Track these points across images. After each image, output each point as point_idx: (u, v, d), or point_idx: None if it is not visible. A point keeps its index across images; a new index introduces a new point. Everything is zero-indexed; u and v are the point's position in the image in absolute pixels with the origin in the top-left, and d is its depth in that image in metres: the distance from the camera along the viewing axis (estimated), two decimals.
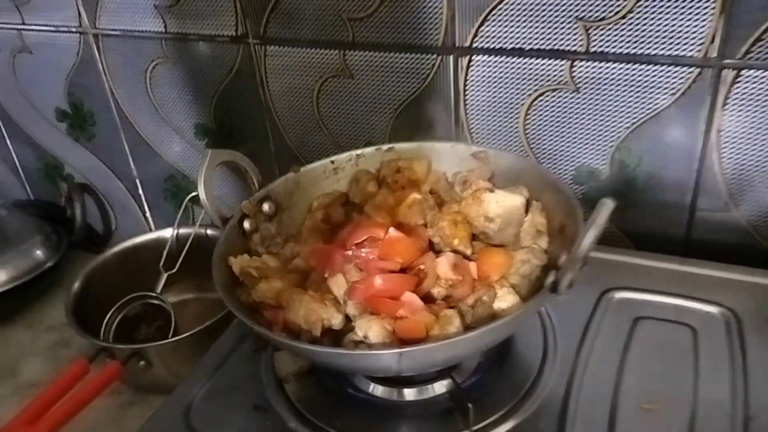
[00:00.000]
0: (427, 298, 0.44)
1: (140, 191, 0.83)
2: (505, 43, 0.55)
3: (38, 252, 0.81)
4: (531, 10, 0.53)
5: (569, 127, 0.58)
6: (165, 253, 0.74)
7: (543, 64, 0.55)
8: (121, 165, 0.82)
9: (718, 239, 0.58)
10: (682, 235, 0.59)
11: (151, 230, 0.82)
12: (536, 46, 0.55)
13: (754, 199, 0.55)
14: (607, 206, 0.39)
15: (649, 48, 0.51)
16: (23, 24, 0.75)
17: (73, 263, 0.83)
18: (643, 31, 0.51)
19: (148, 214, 0.85)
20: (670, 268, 0.57)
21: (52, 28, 0.73)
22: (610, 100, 0.55)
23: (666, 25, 0.50)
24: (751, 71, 0.49)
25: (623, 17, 0.51)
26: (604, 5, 0.51)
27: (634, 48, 0.52)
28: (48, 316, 0.82)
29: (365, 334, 0.40)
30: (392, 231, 0.46)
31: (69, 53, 0.74)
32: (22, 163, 0.89)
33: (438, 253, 0.47)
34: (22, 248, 0.81)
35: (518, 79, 0.57)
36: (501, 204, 0.50)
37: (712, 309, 0.52)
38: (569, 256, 0.39)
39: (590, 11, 0.52)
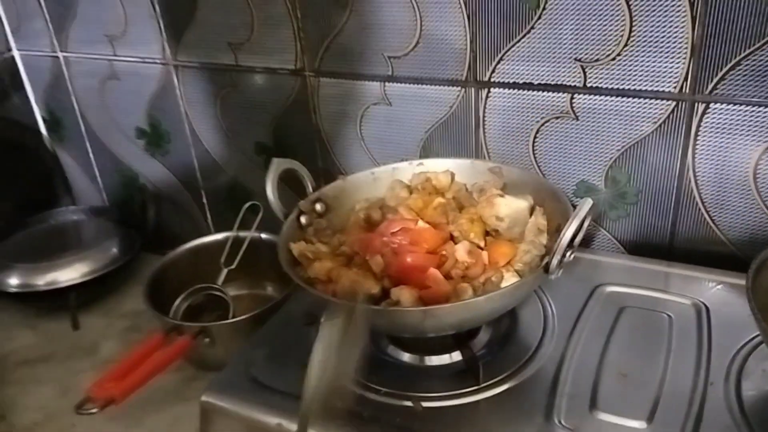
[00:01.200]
0: (447, 277, 0.55)
1: (204, 200, 0.96)
2: (518, 78, 0.67)
3: (114, 250, 0.94)
4: (539, 52, 0.65)
5: (570, 149, 0.69)
6: (225, 251, 0.86)
7: (548, 97, 0.67)
8: (189, 177, 0.95)
9: (697, 246, 0.68)
10: (666, 242, 0.69)
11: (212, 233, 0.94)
12: (543, 81, 0.66)
13: (726, 212, 0.65)
14: (587, 203, 0.50)
15: (635, 84, 0.63)
16: (114, 55, 0.89)
17: (144, 262, 0.95)
18: (630, 70, 0.62)
19: (209, 220, 0.97)
20: (654, 268, 0.68)
21: (139, 60, 0.87)
22: (603, 127, 0.66)
23: (648, 66, 0.61)
24: (717, 104, 0.60)
25: (613, 59, 0.62)
26: (598, 49, 0.63)
27: (623, 84, 0.63)
28: (122, 306, 0.94)
29: (398, 298, 0.52)
30: (421, 222, 0.57)
31: (152, 81, 0.88)
32: (102, 173, 1.03)
33: (456, 242, 0.59)
34: (101, 247, 0.94)
35: (528, 108, 0.68)
36: (510, 207, 0.61)
37: (686, 301, 0.63)
38: (556, 243, 0.51)
39: (587, 54, 0.63)
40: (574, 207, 0.54)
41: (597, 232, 0.73)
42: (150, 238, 0.97)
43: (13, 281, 0.89)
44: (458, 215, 0.63)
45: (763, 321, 0.47)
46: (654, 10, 0.59)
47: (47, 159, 1.04)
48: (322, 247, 0.60)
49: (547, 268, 0.51)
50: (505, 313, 0.60)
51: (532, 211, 0.62)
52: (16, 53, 0.97)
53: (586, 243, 0.73)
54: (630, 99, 0.63)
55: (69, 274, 0.90)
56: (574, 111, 0.67)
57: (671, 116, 0.62)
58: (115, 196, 1.04)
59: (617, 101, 0.64)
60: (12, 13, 0.94)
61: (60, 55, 0.94)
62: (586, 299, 0.65)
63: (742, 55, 0.57)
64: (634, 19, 0.60)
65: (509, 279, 0.56)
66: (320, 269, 0.57)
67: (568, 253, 0.52)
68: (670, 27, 0.59)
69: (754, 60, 0.57)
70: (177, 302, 0.85)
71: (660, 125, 0.63)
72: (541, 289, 0.65)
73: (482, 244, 0.60)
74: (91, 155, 1.02)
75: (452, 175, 0.68)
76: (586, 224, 0.53)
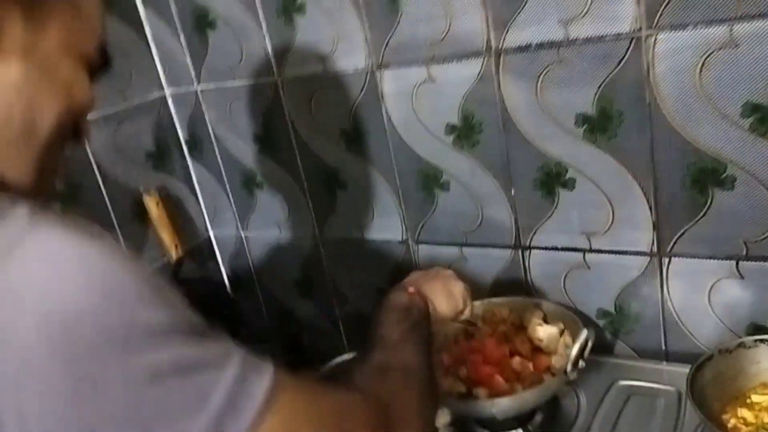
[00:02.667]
0: (507, 380, 0.90)
1: (340, 328, 1.35)
2: (550, 244, 1.03)
3: None
4: (563, 227, 1.01)
5: (587, 288, 1.03)
6: None
7: (570, 255, 1.02)
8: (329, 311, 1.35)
9: (686, 349, 0.99)
10: (663, 348, 1.01)
11: (347, 351, 1.32)
12: (565, 246, 1.02)
13: (700, 328, 0.97)
14: (584, 333, 0.85)
15: (623, 246, 0.97)
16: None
17: None
18: (620, 238, 0.97)
19: (344, 342, 1.36)
20: (653, 366, 0.99)
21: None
22: (609, 275, 1.00)
23: (627, 237, 0.96)
24: (677, 258, 0.94)
25: (605, 233, 0.98)
26: (596, 228, 0.98)
27: (614, 247, 0.98)
28: None
29: (477, 394, 0.87)
30: (490, 346, 0.93)
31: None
32: (268, 311, 1.45)
33: (512, 356, 0.94)
34: None
35: (557, 263, 1.04)
36: (546, 331, 0.96)
37: (671, 388, 0.94)
38: (568, 359, 0.85)
39: (590, 229, 0.99)
40: (588, 328, 0.89)
41: (616, 342, 1.05)
42: (305, 357, 1.36)
43: None
44: (514, 336, 0.98)
45: (701, 413, 0.77)
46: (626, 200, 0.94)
47: (230, 305, 1.48)
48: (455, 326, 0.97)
49: (565, 372, 0.86)
50: (550, 400, 0.93)
51: (562, 332, 0.97)
52: (211, 234, 1.43)
53: (609, 350, 1.06)
54: (621, 255, 0.98)
55: None
56: (587, 263, 1.02)
57: (648, 267, 0.97)
58: (276, 326, 1.45)
59: (613, 257, 0.99)
60: (210, 207, 1.40)
61: (242, 234, 1.38)
62: (606, 389, 0.97)
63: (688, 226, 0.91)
64: (615, 209, 0.95)
65: (547, 380, 0.90)
66: None
67: (580, 362, 0.87)
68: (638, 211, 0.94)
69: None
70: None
71: (642, 272, 0.97)
72: (576, 384, 0.98)
73: (529, 356, 0.94)
74: (261, 300, 1.44)
75: (510, 308, 1.04)
76: (589, 344, 0.87)
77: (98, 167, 1.20)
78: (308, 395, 0.50)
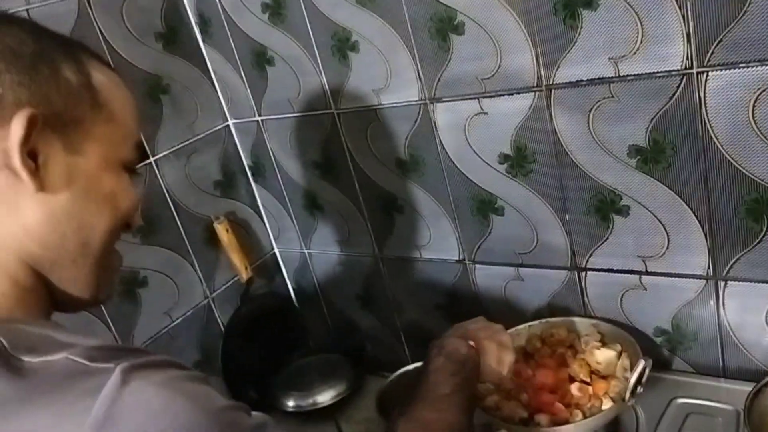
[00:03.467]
0: (566, 405, 0.94)
1: (402, 339, 1.42)
2: (606, 267, 1.06)
3: (347, 377, 1.41)
4: (620, 252, 1.04)
5: (645, 310, 1.06)
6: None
7: (626, 278, 1.05)
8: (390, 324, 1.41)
9: (744, 366, 1.01)
10: (720, 365, 1.03)
11: (409, 362, 1.38)
12: (619, 268, 1.05)
13: (757, 349, 0.99)
14: (641, 363, 0.89)
15: (678, 269, 1.00)
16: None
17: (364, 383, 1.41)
18: (675, 262, 0.99)
19: (407, 352, 1.42)
20: (711, 384, 1.02)
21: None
22: (665, 296, 1.03)
23: (682, 260, 0.98)
24: (733, 282, 0.96)
25: (662, 256, 1.00)
26: (654, 251, 1.00)
27: (671, 270, 1.00)
28: (355, 415, 1.40)
29: (539, 421, 0.92)
30: (550, 373, 0.97)
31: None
32: (333, 323, 1.53)
33: (571, 381, 0.98)
34: (339, 375, 1.41)
35: (613, 284, 1.07)
36: (604, 355, 1.00)
37: (730, 407, 0.96)
38: (626, 386, 0.89)
39: (646, 252, 1.01)
40: (644, 350, 0.93)
41: (673, 359, 1.08)
42: (369, 367, 1.43)
43: (290, 403, 1.38)
44: (572, 360, 1.02)
45: None
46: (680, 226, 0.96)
47: (297, 318, 1.55)
48: (490, 386, 1.02)
49: (624, 399, 0.90)
50: (611, 421, 0.97)
51: (620, 355, 1.00)
52: (277, 251, 1.50)
53: (667, 366, 1.08)
54: (676, 279, 1.00)
55: (324, 397, 1.37)
56: (643, 285, 1.04)
57: (703, 291, 0.99)
58: (340, 337, 1.53)
59: (669, 280, 1.01)
60: (275, 227, 1.47)
61: (305, 251, 1.45)
62: (664, 408, 1.00)
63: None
64: (670, 235, 0.98)
65: (606, 404, 0.94)
66: (490, 401, 0.99)
67: (638, 388, 0.90)
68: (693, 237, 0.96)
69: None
70: (395, 412, 1.29)
71: (698, 294, 1.00)
72: (635, 404, 1.01)
73: (588, 380, 0.98)
74: (325, 312, 1.52)
75: (567, 329, 1.08)
76: (647, 371, 0.91)
77: (171, 199, 1.28)
78: None
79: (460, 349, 0.82)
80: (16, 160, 0.50)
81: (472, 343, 0.84)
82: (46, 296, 0.56)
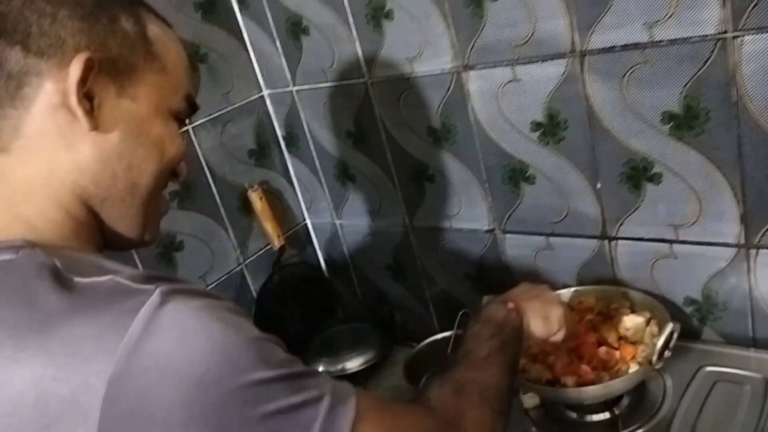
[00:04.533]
0: (593, 368, 0.95)
1: (431, 309, 1.44)
2: (636, 235, 1.06)
3: (376, 346, 1.43)
4: (648, 225, 1.04)
5: (675, 279, 1.06)
6: (450, 345, 1.31)
7: (657, 246, 1.05)
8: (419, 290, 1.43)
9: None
10: (750, 335, 1.03)
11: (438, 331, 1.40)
12: (652, 237, 1.05)
13: None
14: (669, 326, 0.89)
15: (710, 238, 0.99)
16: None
17: (393, 351, 1.43)
18: (707, 230, 0.99)
19: (435, 321, 1.44)
20: (742, 353, 1.02)
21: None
22: (695, 265, 1.03)
23: (713, 228, 0.98)
24: (765, 250, 0.95)
25: (693, 223, 1.00)
26: (684, 219, 1.00)
27: (701, 239, 1.00)
28: (383, 383, 1.42)
29: (565, 382, 0.93)
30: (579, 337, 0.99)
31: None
32: (362, 291, 1.55)
33: (599, 345, 0.99)
34: (368, 343, 1.43)
35: (644, 253, 1.07)
36: (633, 321, 1.00)
37: (758, 375, 0.96)
38: (653, 350, 0.89)
39: (678, 221, 1.01)
40: (674, 319, 0.93)
41: (703, 329, 1.08)
42: (397, 336, 1.45)
43: (320, 368, 1.41)
44: (600, 325, 1.03)
45: None
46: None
47: (327, 287, 1.58)
48: None
49: (650, 362, 0.90)
50: (637, 386, 0.98)
51: (648, 322, 1.01)
52: (308, 221, 1.53)
53: (696, 336, 1.09)
54: (708, 246, 1.00)
55: (353, 363, 1.40)
56: (673, 254, 1.04)
57: (735, 259, 0.99)
58: (370, 307, 1.55)
59: (700, 248, 1.01)
60: (307, 197, 1.50)
61: (336, 222, 1.47)
62: (692, 375, 1.00)
63: None
64: (702, 203, 0.98)
65: (633, 368, 0.95)
66: None
67: (665, 352, 0.91)
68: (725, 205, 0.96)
69: None
70: (423, 380, 1.31)
71: (730, 262, 0.99)
72: (662, 369, 1.01)
73: (616, 345, 0.99)
74: (355, 282, 1.54)
75: (596, 296, 1.08)
76: (675, 335, 0.91)
77: (208, 166, 1.31)
78: (387, 420, 0.58)
79: (497, 313, 0.82)
80: (73, 100, 0.54)
81: (510, 305, 0.83)
82: (97, 232, 0.60)
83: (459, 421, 0.65)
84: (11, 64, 0.53)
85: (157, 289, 0.48)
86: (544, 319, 0.85)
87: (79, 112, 0.54)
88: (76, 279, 0.49)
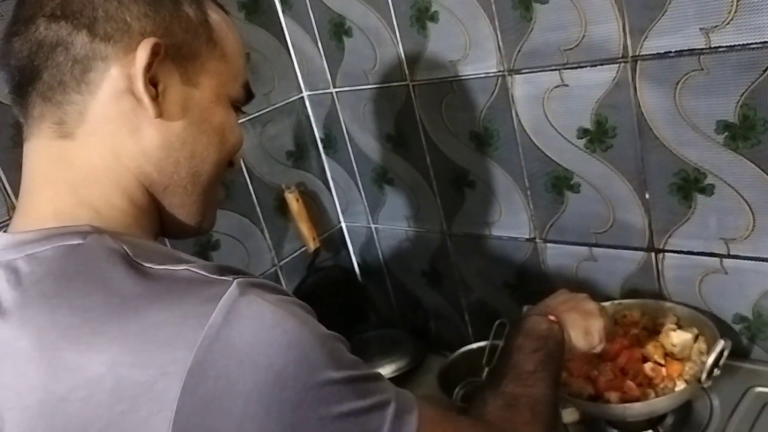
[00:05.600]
0: (639, 385, 0.92)
1: (466, 317, 1.41)
2: (687, 249, 1.03)
3: (410, 353, 1.41)
4: (698, 239, 1.01)
5: (725, 295, 1.02)
6: (486, 355, 1.29)
7: (707, 260, 1.01)
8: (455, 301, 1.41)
9: None
10: None
11: (473, 341, 1.37)
12: (701, 250, 1.01)
13: None
14: (720, 344, 0.85)
15: (763, 253, 0.95)
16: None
17: (428, 359, 1.41)
18: (760, 245, 0.95)
19: (470, 331, 1.41)
20: None
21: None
22: (747, 281, 0.99)
23: (766, 244, 0.94)
24: None
25: (746, 238, 0.96)
26: (736, 233, 0.96)
27: (755, 254, 0.96)
28: (416, 391, 1.40)
29: (608, 398, 0.90)
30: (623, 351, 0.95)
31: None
32: (396, 297, 1.53)
33: (645, 361, 0.95)
34: (402, 350, 1.41)
35: (692, 267, 1.03)
36: (680, 337, 0.97)
37: None
38: (702, 368, 0.86)
39: (729, 234, 0.97)
40: (723, 336, 0.89)
41: (753, 348, 1.04)
42: (431, 344, 1.43)
43: None
44: (646, 341, 0.99)
45: None
46: None
47: (360, 291, 1.57)
48: None
49: (699, 380, 0.87)
50: (683, 404, 0.94)
51: (696, 338, 0.97)
52: (343, 225, 1.52)
53: (745, 355, 1.04)
54: (761, 263, 0.96)
55: (385, 370, 1.38)
56: (724, 269, 1.00)
57: None
58: (403, 313, 1.53)
59: (752, 264, 0.97)
60: (343, 200, 1.49)
61: (372, 226, 1.46)
62: (740, 396, 0.96)
63: None
64: (756, 216, 0.94)
65: (680, 386, 0.91)
66: None
67: (715, 370, 0.87)
68: None
69: None
70: (456, 390, 1.29)
71: None
72: (709, 389, 0.98)
73: (662, 362, 0.95)
74: (389, 288, 1.52)
75: (641, 311, 1.05)
76: (725, 353, 0.88)
77: (246, 167, 1.31)
78: (448, 428, 0.57)
79: (540, 325, 0.80)
80: (140, 85, 0.53)
81: (552, 317, 0.81)
82: (157, 219, 0.59)
83: None
84: (77, 48, 0.53)
85: (235, 281, 0.48)
86: (585, 333, 0.83)
87: (145, 99, 0.54)
88: (149, 266, 0.49)
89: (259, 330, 0.46)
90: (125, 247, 0.50)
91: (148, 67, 0.53)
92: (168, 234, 0.62)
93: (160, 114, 0.55)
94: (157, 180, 0.57)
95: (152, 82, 0.54)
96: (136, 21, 0.54)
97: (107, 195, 0.55)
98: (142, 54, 0.53)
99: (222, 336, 0.45)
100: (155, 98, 0.54)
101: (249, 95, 0.63)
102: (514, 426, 0.66)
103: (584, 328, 0.83)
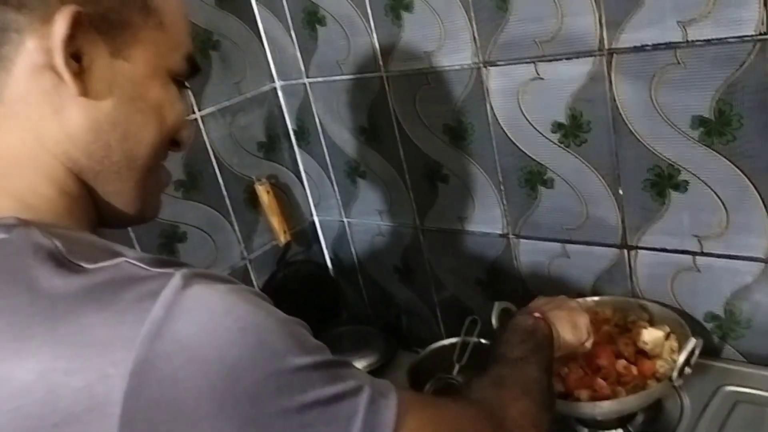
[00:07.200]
0: (610, 383, 0.91)
1: (438, 313, 1.39)
2: (658, 245, 1.02)
3: (381, 349, 1.39)
4: (671, 235, 1.00)
5: (697, 293, 1.01)
6: (456, 352, 1.27)
7: (680, 257, 1.00)
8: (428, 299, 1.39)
9: None
10: None
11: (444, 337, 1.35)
12: (675, 248, 1.00)
13: None
14: (691, 342, 0.84)
15: (736, 251, 0.95)
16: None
17: (398, 356, 1.39)
18: (733, 243, 0.95)
19: (442, 328, 1.40)
20: (764, 374, 0.97)
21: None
22: (719, 279, 0.98)
23: (741, 241, 0.93)
24: None
25: (720, 235, 0.95)
26: (710, 230, 0.96)
27: (728, 252, 0.96)
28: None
29: (578, 396, 0.88)
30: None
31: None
32: (368, 294, 1.51)
33: (617, 358, 0.94)
34: (373, 347, 1.39)
35: (665, 265, 1.02)
36: (652, 335, 0.95)
37: None
38: (673, 366, 0.85)
39: (702, 231, 0.97)
40: (695, 334, 0.88)
41: (723, 346, 1.03)
42: (402, 340, 1.41)
43: None
44: (617, 338, 0.98)
45: None
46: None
47: (332, 287, 1.54)
48: None
49: (670, 379, 0.85)
50: (653, 403, 0.93)
51: (667, 336, 0.96)
52: (315, 219, 1.49)
53: (717, 354, 1.04)
54: (734, 260, 0.96)
55: (357, 365, 1.35)
56: (696, 267, 1.00)
57: (763, 273, 0.94)
58: (375, 309, 1.51)
59: (725, 262, 0.96)
60: (315, 193, 1.46)
61: (344, 220, 1.43)
62: (711, 395, 0.95)
63: None
64: (729, 214, 0.93)
65: (651, 384, 0.90)
66: None
67: (686, 369, 0.86)
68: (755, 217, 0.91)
69: None
70: (426, 387, 1.27)
71: (756, 278, 0.95)
72: (679, 388, 0.97)
73: (633, 359, 0.94)
74: (361, 283, 1.50)
75: (613, 308, 1.04)
76: (697, 351, 0.86)
77: (215, 156, 1.27)
78: (430, 412, 0.54)
79: (525, 321, 0.80)
80: (59, 60, 0.47)
81: (537, 314, 0.81)
82: (92, 208, 0.54)
83: (502, 412, 0.62)
84: None
85: (178, 272, 0.44)
86: (572, 327, 0.84)
87: (66, 75, 0.47)
88: (81, 262, 0.44)
89: (207, 321, 0.43)
90: (56, 242, 0.45)
91: (69, 39, 0.47)
92: (107, 224, 0.56)
93: (84, 92, 0.49)
94: (87, 166, 0.51)
95: (75, 56, 0.48)
96: None
97: (32, 184, 0.50)
98: (61, 24, 0.46)
99: (164, 331, 0.42)
100: (78, 74, 0.48)
101: (194, 68, 0.57)
102: (502, 401, 0.63)
103: (571, 323, 0.84)
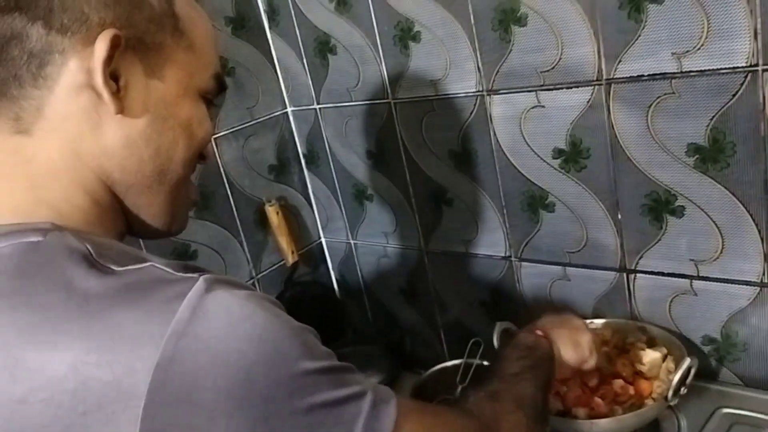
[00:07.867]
0: (607, 402, 0.93)
1: (442, 335, 1.41)
2: (656, 269, 1.04)
3: (385, 369, 1.41)
4: (668, 260, 1.02)
5: (694, 316, 1.03)
6: (459, 373, 1.29)
7: (677, 281, 1.03)
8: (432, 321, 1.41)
9: None
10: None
11: (447, 359, 1.37)
12: (671, 271, 1.03)
13: None
14: (686, 361, 0.86)
15: (732, 275, 0.97)
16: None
17: (402, 377, 1.41)
18: (729, 267, 0.97)
19: (445, 349, 1.42)
20: (761, 397, 0.99)
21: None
22: (716, 303, 1.00)
23: (736, 265, 0.96)
24: None
25: (714, 261, 0.98)
26: (706, 255, 0.98)
27: (724, 275, 0.98)
28: None
29: (576, 414, 0.90)
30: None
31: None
32: (373, 316, 1.53)
33: (614, 378, 0.96)
34: (376, 367, 1.42)
35: (663, 288, 1.05)
36: (649, 356, 0.98)
37: None
38: (669, 386, 0.87)
39: (699, 256, 0.99)
40: (692, 356, 0.90)
41: (720, 369, 1.05)
42: (406, 361, 1.43)
43: None
44: (616, 359, 1.00)
45: None
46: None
47: (338, 307, 1.57)
48: None
49: (666, 398, 0.88)
50: (651, 425, 0.95)
51: (665, 358, 0.98)
52: (323, 240, 1.52)
53: (714, 377, 1.05)
54: (730, 284, 0.98)
55: None
56: (693, 290, 1.02)
57: (757, 297, 0.96)
58: (380, 330, 1.53)
59: (721, 285, 0.99)
60: (323, 215, 1.50)
61: (351, 242, 1.47)
62: (708, 417, 0.97)
63: None
64: (725, 239, 0.96)
65: (648, 404, 0.92)
66: None
67: (682, 389, 0.88)
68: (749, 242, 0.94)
69: None
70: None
71: (751, 301, 0.97)
72: (677, 408, 0.99)
73: (631, 380, 0.96)
74: (367, 304, 1.53)
75: (612, 330, 1.06)
76: (692, 372, 0.89)
77: (227, 178, 1.31)
78: (427, 419, 0.57)
79: (526, 339, 0.82)
80: (99, 80, 0.51)
81: (539, 332, 0.83)
82: (121, 218, 0.57)
83: (496, 424, 0.65)
84: (33, 41, 0.50)
85: (201, 277, 0.47)
86: (574, 346, 0.85)
87: (105, 94, 0.51)
88: (111, 265, 0.48)
89: (227, 324, 0.46)
90: (88, 246, 0.49)
91: (108, 60, 0.51)
92: (136, 234, 0.60)
93: (121, 110, 0.52)
94: (120, 179, 0.55)
95: (113, 77, 0.52)
96: (94, 12, 0.51)
97: (68, 193, 0.53)
98: (101, 46, 0.50)
99: (189, 331, 0.45)
100: (116, 93, 0.52)
101: (221, 86, 0.61)
102: (497, 414, 0.65)
103: (573, 342, 0.86)
